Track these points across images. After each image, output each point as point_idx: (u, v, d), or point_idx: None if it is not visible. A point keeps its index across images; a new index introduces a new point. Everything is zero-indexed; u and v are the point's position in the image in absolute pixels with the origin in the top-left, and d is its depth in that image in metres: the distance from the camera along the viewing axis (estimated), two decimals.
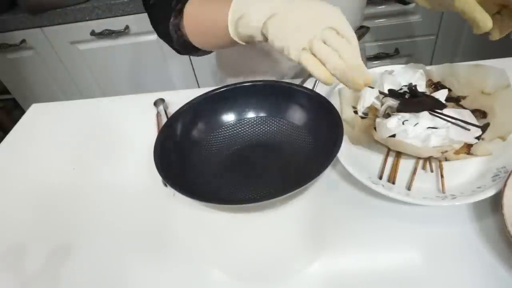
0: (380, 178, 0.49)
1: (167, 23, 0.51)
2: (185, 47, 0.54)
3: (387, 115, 0.54)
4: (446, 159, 0.50)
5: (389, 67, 0.62)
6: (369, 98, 0.55)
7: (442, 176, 0.48)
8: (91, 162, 0.62)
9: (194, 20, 0.50)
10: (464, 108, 0.54)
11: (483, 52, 1.28)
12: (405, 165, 0.51)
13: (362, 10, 0.72)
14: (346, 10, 0.41)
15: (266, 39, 0.42)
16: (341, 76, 0.38)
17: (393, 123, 0.50)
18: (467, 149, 0.50)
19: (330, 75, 0.38)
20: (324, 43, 0.38)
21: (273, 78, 0.73)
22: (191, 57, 1.31)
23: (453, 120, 0.49)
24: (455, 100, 0.56)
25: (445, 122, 0.49)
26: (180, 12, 0.50)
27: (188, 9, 0.50)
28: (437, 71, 0.59)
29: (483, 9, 0.42)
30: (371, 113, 0.57)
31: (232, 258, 0.45)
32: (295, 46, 0.38)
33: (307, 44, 0.38)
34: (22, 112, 0.77)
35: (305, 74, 0.61)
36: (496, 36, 0.46)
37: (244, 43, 0.45)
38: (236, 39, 0.45)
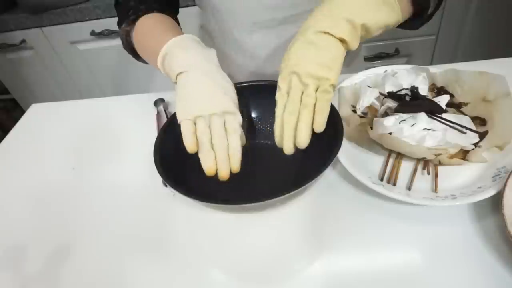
0: (381, 179, 0.49)
1: (120, 27, 0.58)
2: (131, 51, 0.60)
3: (386, 115, 0.54)
4: (440, 163, 0.50)
5: (394, 67, 0.61)
6: (368, 98, 0.55)
7: (436, 175, 0.48)
8: (91, 162, 0.62)
9: (139, 38, 0.55)
10: (464, 114, 0.53)
11: (483, 52, 1.28)
12: (406, 165, 0.51)
13: None
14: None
15: None
16: (204, 152, 0.43)
17: (390, 121, 0.50)
18: (463, 155, 0.50)
19: (196, 148, 0.43)
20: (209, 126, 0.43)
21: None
22: None
23: (451, 124, 0.49)
24: (456, 106, 0.55)
25: (442, 126, 0.49)
26: (134, 22, 0.55)
27: (139, 26, 0.54)
28: (441, 75, 0.58)
29: None
30: (370, 113, 0.57)
31: (232, 258, 0.45)
32: (183, 115, 0.43)
33: (193, 118, 0.43)
34: (22, 112, 0.77)
35: None
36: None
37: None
38: (163, 72, 0.49)
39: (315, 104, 0.42)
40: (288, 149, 0.42)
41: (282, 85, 0.44)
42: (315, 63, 0.42)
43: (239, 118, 0.45)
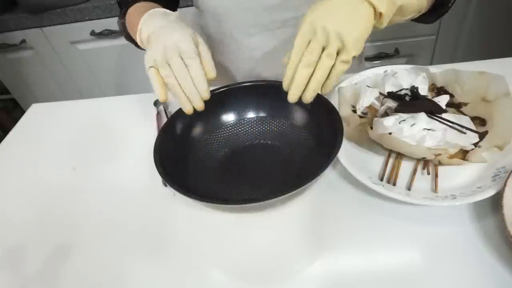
0: (381, 179, 0.49)
1: (118, 21, 0.62)
2: (132, 42, 0.62)
3: (386, 115, 0.54)
4: (440, 163, 0.50)
5: (394, 67, 0.61)
6: (368, 98, 0.55)
7: (436, 176, 0.48)
8: (91, 162, 0.62)
9: (129, 26, 0.58)
10: (464, 114, 0.53)
11: (483, 52, 1.28)
12: (406, 165, 0.51)
13: None
14: None
15: None
16: (176, 95, 0.46)
17: (390, 121, 0.50)
18: (463, 155, 0.50)
19: (165, 96, 0.46)
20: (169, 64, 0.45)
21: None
22: None
23: (450, 124, 0.49)
24: (456, 106, 0.55)
25: (442, 126, 0.49)
26: (125, 14, 0.60)
27: (128, 15, 0.59)
28: (441, 75, 0.58)
29: None
30: (370, 113, 0.57)
31: (232, 258, 0.45)
32: (146, 64, 0.47)
33: (153, 64, 0.46)
34: (22, 112, 0.77)
35: None
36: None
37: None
38: (141, 45, 0.53)
39: (330, 66, 0.41)
40: (293, 99, 0.43)
41: (306, 31, 0.42)
42: (351, 30, 0.41)
43: (191, 47, 0.45)
